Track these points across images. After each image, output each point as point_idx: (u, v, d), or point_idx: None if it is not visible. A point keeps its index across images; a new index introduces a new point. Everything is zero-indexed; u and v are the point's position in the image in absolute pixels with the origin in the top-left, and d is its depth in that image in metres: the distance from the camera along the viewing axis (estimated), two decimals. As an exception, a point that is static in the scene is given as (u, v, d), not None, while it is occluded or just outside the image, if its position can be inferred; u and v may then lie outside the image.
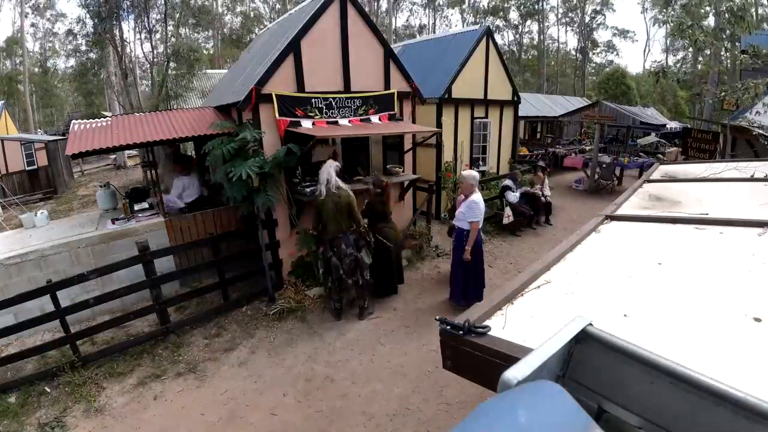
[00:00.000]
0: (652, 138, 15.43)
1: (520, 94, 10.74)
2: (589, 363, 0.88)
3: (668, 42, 33.34)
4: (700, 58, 22.95)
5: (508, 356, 1.01)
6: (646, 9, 34.86)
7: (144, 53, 16.12)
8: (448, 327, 1.16)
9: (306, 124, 5.41)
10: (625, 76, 25.03)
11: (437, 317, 1.22)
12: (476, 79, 9.06)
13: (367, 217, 5.27)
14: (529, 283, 1.49)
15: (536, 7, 33.57)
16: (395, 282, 5.60)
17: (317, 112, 5.55)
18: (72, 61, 19.80)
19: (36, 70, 29.82)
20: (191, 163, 6.91)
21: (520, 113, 11.13)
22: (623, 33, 36.04)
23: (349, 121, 5.82)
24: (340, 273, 4.69)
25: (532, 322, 1.24)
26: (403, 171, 6.72)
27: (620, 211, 2.36)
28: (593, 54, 36.97)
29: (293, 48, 5.30)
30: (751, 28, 6.85)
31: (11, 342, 4.63)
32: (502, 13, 34.44)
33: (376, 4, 32.89)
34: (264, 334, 4.73)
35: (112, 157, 19.28)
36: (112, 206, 6.57)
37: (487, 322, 1.21)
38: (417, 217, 7.26)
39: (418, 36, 33.34)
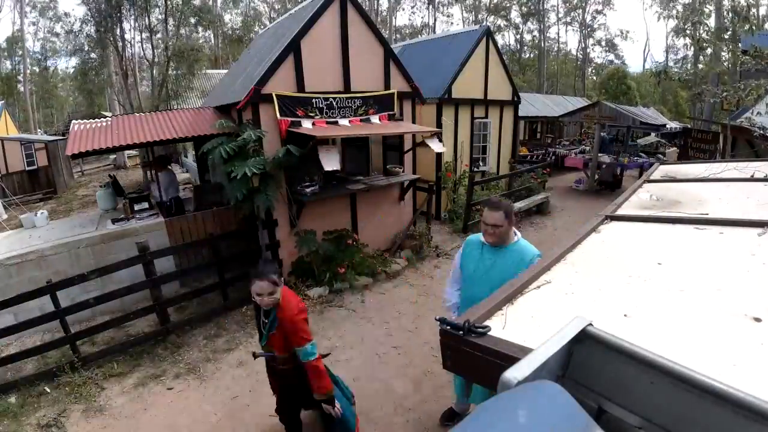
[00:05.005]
0: (652, 138, 15.41)
1: (520, 94, 10.74)
2: (589, 363, 0.88)
3: (668, 42, 33.40)
4: (701, 58, 22.95)
5: (508, 356, 1.00)
6: (650, 5, 34.81)
7: (144, 53, 16.14)
8: (448, 327, 1.15)
9: (306, 124, 5.41)
10: (626, 76, 25.06)
11: (437, 317, 1.21)
12: (476, 79, 9.06)
13: None
14: (529, 283, 1.48)
15: (537, 6, 33.57)
16: None
17: (318, 112, 5.55)
18: (73, 61, 19.84)
19: (36, 69, 29.79)
20: (169, 161, 7.46)
21: (520, 113, 11.13)
22: (623, 34, 36.14)
23: (349, 121, 5.82)
24: None
25: (532, 322, 1.24)
26: (403, 171, 6.73)
27: (620, 211, 2.35)
28: (593, 52, 37.05)
29: (293, 48, 5.30)
30: (753, 28, 6.83)
31: (11, 342, 4.63)
32: (503, 12, 34.44)
33: (376, 2, 32.86)
34: (264, 334, 4.72)
35: (112, 157, 19.30)
36: (112, 206, 6.58)
37: (487, 322, 1.21)
38: (417, 217, 7.27)
39: (419, 34, 33.35)
